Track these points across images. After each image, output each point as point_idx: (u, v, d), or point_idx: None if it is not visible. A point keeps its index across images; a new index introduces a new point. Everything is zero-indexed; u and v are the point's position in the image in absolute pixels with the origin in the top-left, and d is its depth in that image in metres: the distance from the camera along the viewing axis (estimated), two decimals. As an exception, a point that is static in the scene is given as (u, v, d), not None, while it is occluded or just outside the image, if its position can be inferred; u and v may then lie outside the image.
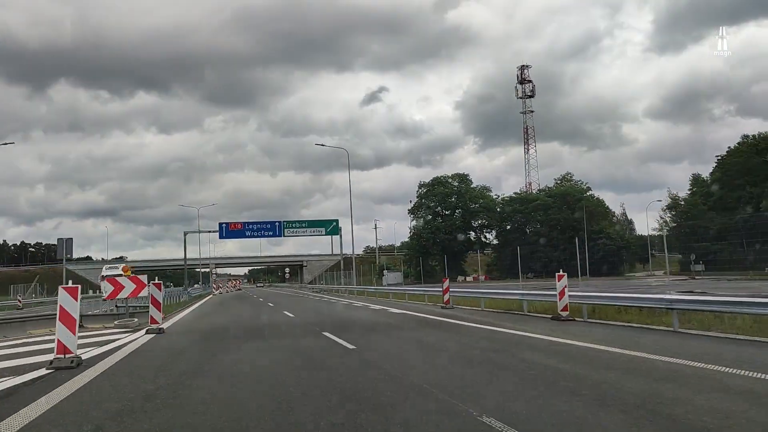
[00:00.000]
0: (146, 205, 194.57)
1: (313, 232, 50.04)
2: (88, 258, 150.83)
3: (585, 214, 70.29)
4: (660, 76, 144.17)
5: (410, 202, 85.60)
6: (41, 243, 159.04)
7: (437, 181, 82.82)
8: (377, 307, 23.72)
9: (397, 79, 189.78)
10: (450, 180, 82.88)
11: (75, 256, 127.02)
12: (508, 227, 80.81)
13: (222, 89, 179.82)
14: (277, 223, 49.22)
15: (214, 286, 74.04)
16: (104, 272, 44.63)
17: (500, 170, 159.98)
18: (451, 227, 79.71)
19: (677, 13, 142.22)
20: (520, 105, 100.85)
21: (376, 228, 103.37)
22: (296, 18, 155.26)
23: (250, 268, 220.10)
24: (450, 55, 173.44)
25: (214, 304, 33.93)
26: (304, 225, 49.94)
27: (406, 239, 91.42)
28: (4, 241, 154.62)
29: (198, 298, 41.47)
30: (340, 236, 50.98)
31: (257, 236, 49.00)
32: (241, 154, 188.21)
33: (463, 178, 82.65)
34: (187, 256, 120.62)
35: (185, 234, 51.37)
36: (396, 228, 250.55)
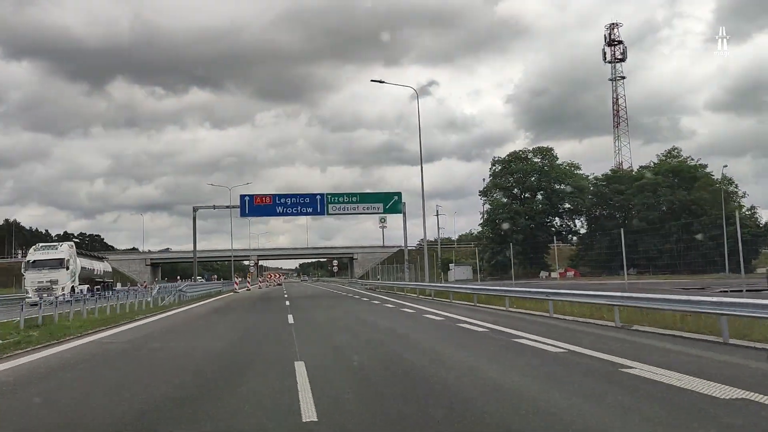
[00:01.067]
0: (200, 200, 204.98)
1: (367, 209, 37.14)
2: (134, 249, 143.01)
3: (708, 195, 55.10)
4: (722, 66, 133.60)
5: (483, 180, 71.58)
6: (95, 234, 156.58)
7: (515, 156, 68.60)
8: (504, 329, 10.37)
9: (448, 72, 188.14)
10: (530, 155, 68.45)
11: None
12: (601, 213, 65.78)
13: (273, 85, 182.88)
14: (318, 197, 36.35)
15: (249, 280, 62.10)
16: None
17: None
18: (533, 212, 65.36)
19: (740, 1, 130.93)
20: (608, 71, 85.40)
21: (438, 214, 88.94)
22: (345, 13, 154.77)
23: (301, 261, 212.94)
24: (502, 48, 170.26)
25: (195, 316, 20.77)
26: (354, 199, 36.89)
27: (471, 231, 77.36)
28: (65, 232, 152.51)
29: (189, 302, 28.42)
30: (404, 214, 37.77)
31: (292, 213, 36.28)
32: (292, 149, 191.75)
33: (546, 153, 68.14)
34: (234, 248, 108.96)
35: (195, 210, 38.83)
36: (448, 222, 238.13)
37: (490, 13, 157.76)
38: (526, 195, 68.14)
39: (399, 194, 37.42)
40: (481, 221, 71.24)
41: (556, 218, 68.04)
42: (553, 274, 66.52)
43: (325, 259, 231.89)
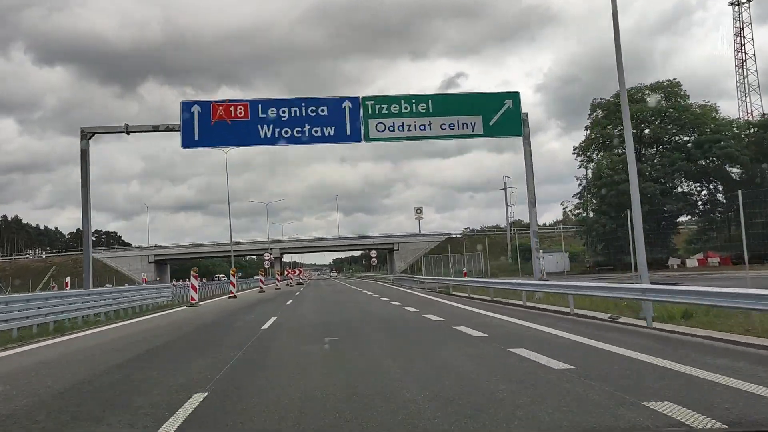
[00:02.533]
0: (233, 198, 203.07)
1: (449, 127, 17.62)
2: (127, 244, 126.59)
3: None
4: (758, 48, 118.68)
5: (585, 130, 51.69)
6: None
7: (628, 98, 48.44)
8: None
9: (475, 64, 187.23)
10: (648, 93, 48.22)
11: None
12: (760, 172, 45.10)
13: (302, 82, 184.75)
14: (348, 106, 17.21)
15: (261, 278, 44.23)
16: None
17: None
18: (655, 174, 45.26)
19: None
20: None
21: (505, 188, 69.16)
22: (371, 7, 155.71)
23: (334, 257, 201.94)
24: (530, 37, 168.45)
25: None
26: (422, 109, 17.47)
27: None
28: (77, 229, 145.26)
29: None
30: (527, 137, 18.27)
31: (294, 140, 17.26)
32: (323, 146, 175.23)
33: (672, 90, 47.81)
34: (253, 240, 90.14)
35: (85, 137, 19.90)
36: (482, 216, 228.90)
37: (517, 1, 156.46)
38: (646, 151, 47.84)
39: (515, 95, 17.82)
40: (579, 192, 51.24)
41: (689, 182, 47.46)
42: (689, 261, 46.34)
43: (359, 253, 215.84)
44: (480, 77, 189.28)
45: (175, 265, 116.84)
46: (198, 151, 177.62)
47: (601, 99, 49.61)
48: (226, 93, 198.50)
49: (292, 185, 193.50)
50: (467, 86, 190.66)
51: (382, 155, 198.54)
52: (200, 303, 23.98)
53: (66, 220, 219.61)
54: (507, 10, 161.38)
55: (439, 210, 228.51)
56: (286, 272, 52.51)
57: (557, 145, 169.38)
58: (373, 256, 65.53)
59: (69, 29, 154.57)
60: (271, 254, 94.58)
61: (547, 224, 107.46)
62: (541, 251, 51.22)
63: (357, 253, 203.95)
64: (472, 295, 22.90)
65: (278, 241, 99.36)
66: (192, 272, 25.18)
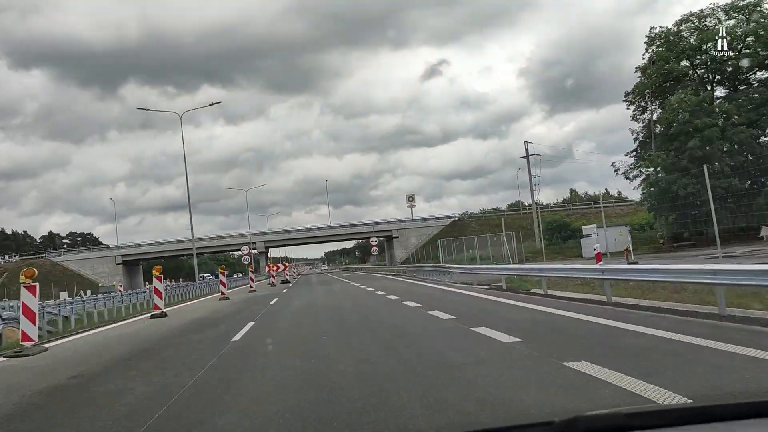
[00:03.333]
0: (222, 196, 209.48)
1: None
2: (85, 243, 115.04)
3: None
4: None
5: (636, 71, 40.79)
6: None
7: (696, 25, 37.70)
8: None
9: (457, 51, 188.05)
10: (720, 14, 37.46)
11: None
12: None
13: (284, 76, 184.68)
14: None
15: (251, 278, 37.37)
16: None
17: (571, 137, 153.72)
18: (749, 113, 34.61)
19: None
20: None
21: (527, 155, 58.10)
22: None
23: (326, 250, 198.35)
24: (510, 21, 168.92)
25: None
26: None
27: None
28: (50, 232, 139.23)
29: None
30: None
31: None
32: (308, 139, 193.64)
33: (749, 7, 36.99)
34: (231, 234, 78.81)
35: None
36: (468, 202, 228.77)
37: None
38: (730, 87, 37.03)
39: None
40: (636, 149, 40.49)
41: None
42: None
43: (352, 244, 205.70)
44: (461, 64, 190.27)
45: (149, 266, 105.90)
46: (183, 151, 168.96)
47: (660, 28, 38.67)
48: (207, 91, 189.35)
49: (280, 180, 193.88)
50: (450, 74, 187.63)
51: (367, 146, 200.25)
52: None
53: (55, 226, 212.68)
54: None
55: (428, 199, 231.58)
56: (267, 268, 41.41)
57: (542, 129, 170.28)
58: (374, 244, 54.83)
59: (45, 32, 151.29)
60: (254, 249, 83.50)
61: (563, 201, 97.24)
62: (594, 227, 40.43)
63: (349, 245, 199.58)
64: (549, 291, 12.50)
65: (262, 233, 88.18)
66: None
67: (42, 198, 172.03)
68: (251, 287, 33.84)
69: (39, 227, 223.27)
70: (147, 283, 68.88)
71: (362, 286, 27.66)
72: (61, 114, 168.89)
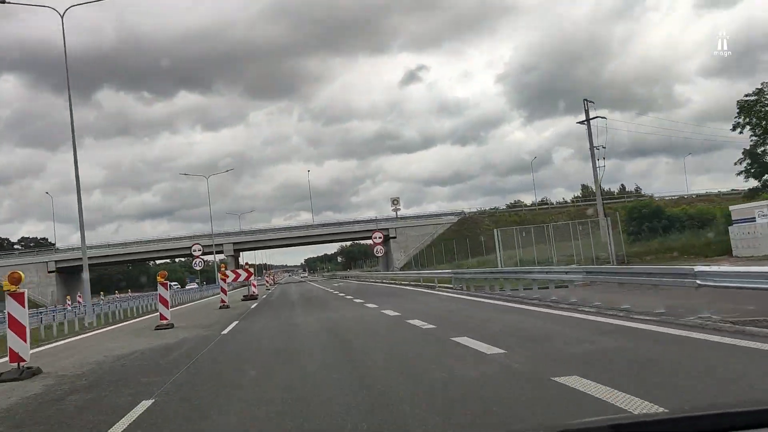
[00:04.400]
0: (202, 203, 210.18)
1: None
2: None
3: None
4: (713, 31, 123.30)
5: None
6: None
7: None
8: None
9: (437, 57, 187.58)
10: None
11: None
12: None
13: (263, 82, 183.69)
14: None
15: (222, 289, 20.61)
16: None
17: (551, 143, 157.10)
18: None
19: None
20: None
21: (587, 119, 43.27)
22: (330, 2, 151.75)
23: (307, 256, 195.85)
24: (489, 27, 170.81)
25: None
26: None
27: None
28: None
29: None
30: None
31: None
32: (287, 145, 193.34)
33: None
34: (191, 235, 65.05)
35: None
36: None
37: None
38: None
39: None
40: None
41: None
42: None
43: (336, 248, 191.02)
44: (441, 69, 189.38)
45: (95, 273, 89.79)
46: (161, 157, 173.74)
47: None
48: (185, 97, 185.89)
49: (260, 187, 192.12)
50: (429, 79, 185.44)
51: (347, 152, 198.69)
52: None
53: (30, 234, 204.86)
54: (465, 1, 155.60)
55: (408, 204, 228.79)
56: (220, 277, 26.04)
57: (521, 135, 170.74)
58: (377, 241, 39.67)
59: (15, 37, 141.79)
60: (219, 251, 67.97)
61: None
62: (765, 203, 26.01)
63: (332, 250, 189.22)
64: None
65: (229, 233, 72.65)
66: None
67: (15, 206, 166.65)
68: (222, 301, 23.99)
69: (12, 236, 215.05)
70: (98, 294, 53.23)
71: (392, 313, 12.89)
72: (34, 121, 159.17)
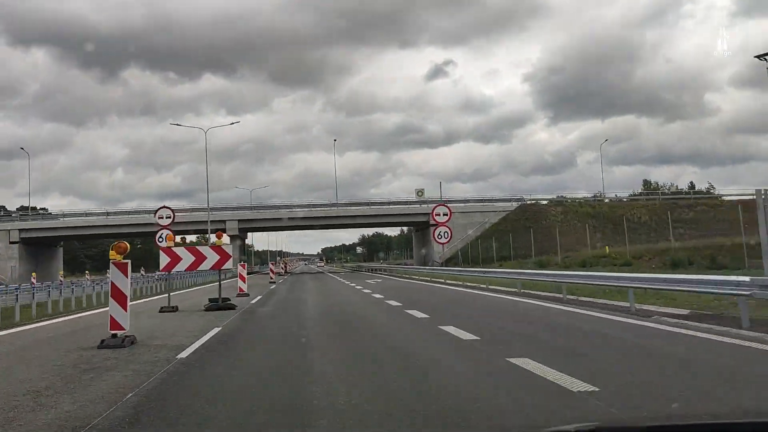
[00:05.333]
0: (221, 187, 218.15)
1: None
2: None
3: None
4: (746, 41, 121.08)
5: None
6: None
7: None
8: None
9: (463, 53, 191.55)
10: None
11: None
12: None
13: (288, 69, 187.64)
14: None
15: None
16: None
17: (574, 145, 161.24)
18: None
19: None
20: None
21: None
22: None
23: (323, 245, 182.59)
24: (518, 26, 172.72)
25: None
26: None
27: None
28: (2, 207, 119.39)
29: None
30: None
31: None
32: (308, 134, 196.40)
33: None
34: (193, 209, 50.90)
35: None
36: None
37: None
38: None
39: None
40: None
41: None
42: None
43: (358, 237, 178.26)
44: (467, 66, 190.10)
45: (71, 247, 77.37)
46: (183, 139, 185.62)
47: None
48: (210, 80, 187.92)
49: (279, 174, 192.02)
50: (455, 75, 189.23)
51: (369, 144, 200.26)
52: None
53: (51, 208, 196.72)
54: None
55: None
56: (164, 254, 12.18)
57: (545, 135, 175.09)
58: (441, 220, 26.24)
59: (47, 11, 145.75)
60: (221, 228, 54.83)
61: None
62: None
63: (351, 240, 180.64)
64: None
65: (234, 208, 59.46)
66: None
67: (40, 179, 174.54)
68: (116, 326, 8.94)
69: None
70: (84, 274, 40.92)
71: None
72: (61, 95, 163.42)
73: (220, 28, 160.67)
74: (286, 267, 70.31)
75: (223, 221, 56.65)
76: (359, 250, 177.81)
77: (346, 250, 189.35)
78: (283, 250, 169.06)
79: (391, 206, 58.49)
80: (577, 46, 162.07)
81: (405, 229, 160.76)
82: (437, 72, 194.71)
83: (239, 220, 57.29)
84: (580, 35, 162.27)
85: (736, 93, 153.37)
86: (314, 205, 59.13)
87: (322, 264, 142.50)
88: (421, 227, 59.16)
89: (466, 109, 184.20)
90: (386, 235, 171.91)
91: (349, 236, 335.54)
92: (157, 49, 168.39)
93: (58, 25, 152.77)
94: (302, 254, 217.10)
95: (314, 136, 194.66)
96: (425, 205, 58.94)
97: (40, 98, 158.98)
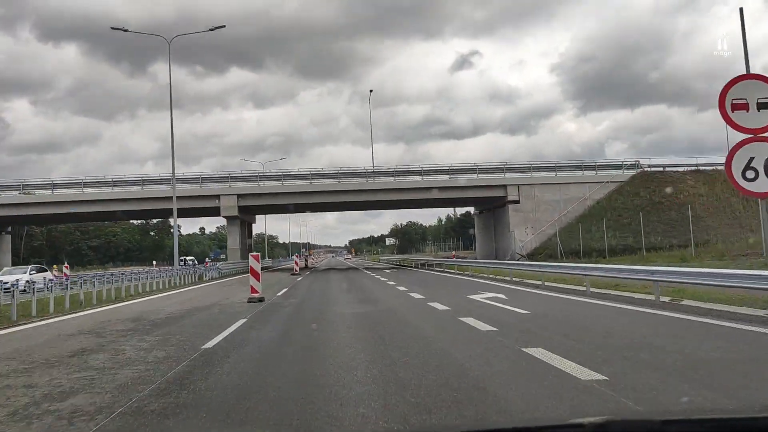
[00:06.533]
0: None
1: None
2: None
3: None
4: None
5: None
6: None
7: None
8: None
9: (490, 43, 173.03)
10: None
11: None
12: None
13: (313, 62, 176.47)
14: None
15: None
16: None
17: (605, 135, 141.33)
18: None
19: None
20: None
21: None
22: None
23: (351, 237, 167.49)
24: (547, 14, 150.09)
25: None
26: None
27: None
28: None
29: None
30: None
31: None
32: (335, 126, 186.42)
33: None
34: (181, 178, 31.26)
35: None
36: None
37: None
38: None
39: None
40: None
41: None
42: None
43: (390, 229, 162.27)
44: (494, 56, 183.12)
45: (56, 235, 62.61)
46: (211, 132, 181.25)
47: None
48: (236, 74, 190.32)
49: (306, 166, 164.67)
50: (482, 66, 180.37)
51: (395, 136, 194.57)
52: None
53: None
54: None
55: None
56: None
57: (573, 126, 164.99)
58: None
59: (78, 5, 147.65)
60: (216, 203, 38.58)
61: None
62: None
63: (379, 232, 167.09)
64: None
65: (232, 178, 43.07)
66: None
67: (72, 173, 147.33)
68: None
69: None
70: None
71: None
72: (91, 89, 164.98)
73: (246, 21, 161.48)
74: (306, 261, 54.18)
75: (216, 196, 40.32)
76: (388, 242, 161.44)
77: (374, 242, 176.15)
78: (310, 243, 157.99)
79: (453, 174, 41.43)
80: (606, 35, 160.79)
81: (443, 216, 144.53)
82: (463, 63, 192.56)
83: (239, 196, 40.76)
84: (609, 24, 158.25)
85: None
86: (343, 174, 42.22)
87: (350, 256, 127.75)
88: (499, 203, 42.07)
89: (493, 100, 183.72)
90: (421, 225, 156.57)
91: (376, 228, 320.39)
92: (185, 42, 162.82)
93: (88, 20, 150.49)
94: (329, 246, 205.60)
95: (341, 129, 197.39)
96: (498, 175, 41.90)
97: (71, 92, 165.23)
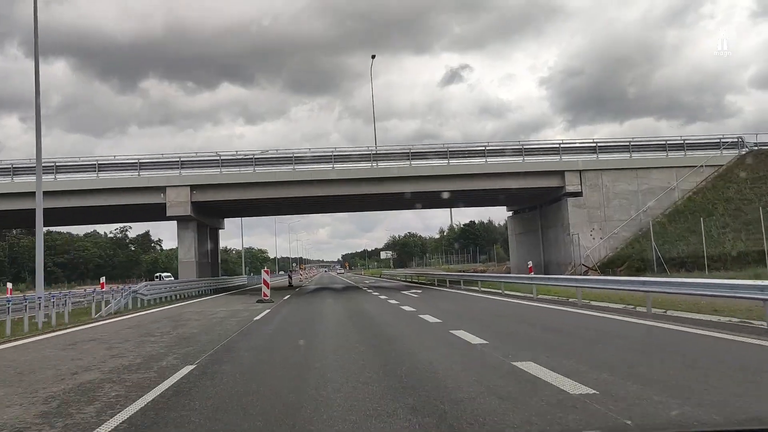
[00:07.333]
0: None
1: None
2: None
3: None
4: None
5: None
6: None
7: None
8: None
9: (480, 58, 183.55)
10: None
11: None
12: None
13: (305, 77, 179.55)
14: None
15: None
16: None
17: None
18: None
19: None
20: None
21: None
22: (375, 0, 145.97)
23: (344, 252, 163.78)
24: (535, 30, 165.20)
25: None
26: None
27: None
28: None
29: None
30: None
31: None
32: (326, 141, 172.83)
33: None
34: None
35: None
36: None
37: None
38: None
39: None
40: None
41: None
42: None
43: (386, 242, 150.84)
44: (484, 71, 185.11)
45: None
46: (203, 148, 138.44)
47: None
48: (228, 89, 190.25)
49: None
50: (471, 80, 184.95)
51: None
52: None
53: None
54: (512, 2, 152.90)
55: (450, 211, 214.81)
56: None
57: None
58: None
59: (67, 22, 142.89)
60: (161, 195, 26.88)
61: None
62: None
63: (373, 245, 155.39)
64: None
65: (180, 161, 31.35)
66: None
67: None
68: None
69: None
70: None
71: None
72: (82, 106, 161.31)
73: (236, 36, 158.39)
74: (290, 277, 42.74)
75: (161, 188, 28.59)
76: (384, 255, 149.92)
77: (368, 256, 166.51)
78: (302, 257, 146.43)
79: (484, 161, 30.10)
80: (595, 49, 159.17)
81: (445, 229, 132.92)
82: (453, 77, 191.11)
83: (193, 187, 28.95)
84: (598, 37, 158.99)
85: (758, 94, 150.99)
86: (341, 157, 30.71)
87: (343, 271, 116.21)
88: (555, 195, 30.66)
89: (483, 114, 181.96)
90: (420, 236, 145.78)
91: (369, 242, 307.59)
92: (176, 57, 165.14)
93: (78, 37, 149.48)
94: (322, 261, 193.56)
95: (332, 143, 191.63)
96: (553, 157, 30.71)
97: (61, 109, 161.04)
